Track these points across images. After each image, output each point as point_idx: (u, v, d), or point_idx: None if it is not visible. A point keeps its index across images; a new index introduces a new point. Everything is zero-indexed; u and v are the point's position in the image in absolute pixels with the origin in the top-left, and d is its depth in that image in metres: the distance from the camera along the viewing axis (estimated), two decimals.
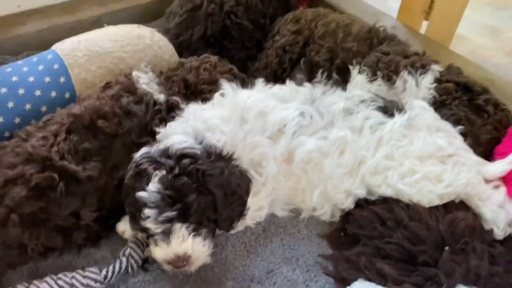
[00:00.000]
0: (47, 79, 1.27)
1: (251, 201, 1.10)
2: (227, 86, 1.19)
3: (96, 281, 0.98)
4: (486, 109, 1.27)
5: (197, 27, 1.54)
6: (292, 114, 1.14)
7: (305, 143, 1.11)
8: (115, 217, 1.10)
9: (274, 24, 1.65)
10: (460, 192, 1.14)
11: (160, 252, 0.98)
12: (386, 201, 1.13)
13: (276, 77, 1.54)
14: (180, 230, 0.96)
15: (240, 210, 1.07)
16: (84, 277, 0.97)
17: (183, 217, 0.96)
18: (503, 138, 1.26)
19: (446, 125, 1.25)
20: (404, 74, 1.34)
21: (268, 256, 1.11)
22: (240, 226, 1.12)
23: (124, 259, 1.02)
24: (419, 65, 1.35)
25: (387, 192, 1.13)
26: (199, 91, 1.24)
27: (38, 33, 1.62)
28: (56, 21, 1.66)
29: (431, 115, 1.21)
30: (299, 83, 1.51)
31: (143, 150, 1.03)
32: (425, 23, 1.79)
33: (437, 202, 1.12)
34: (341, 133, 1.13)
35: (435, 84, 1.32)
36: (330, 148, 1.13)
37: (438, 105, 1.30)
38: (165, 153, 1.00)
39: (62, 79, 1.29)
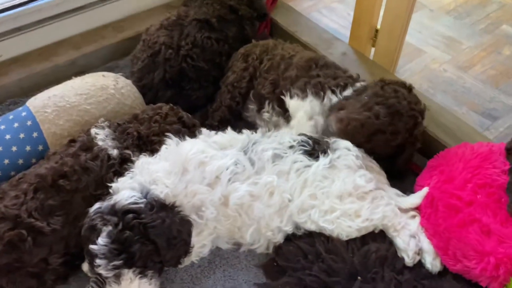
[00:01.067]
0: (21, 135, 1.46)
1: (195, 240, 1.29)
2: (170, 141, 1.36)
3: None
4: (397, 89, 1.42)
5: (157, 71, 1.70)
6: (228, 163, 1.31)
7: (237, 189, 1.28)
8: (81, 257, 1.30)
9: (231, 59, 1.80)
10: (377, 224, 1.30)
11: None
12: (311, 235, 1.31)
13: (232, 111, 1.70)
14: (128, 274, 1.17)
15: (185, 249, 1.26)
16: None
17: (129, 264, 1.16)
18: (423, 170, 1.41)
19: (371, 163, 1.41)
20: (328, 93, 1.49)
21: (211, 286, 1.30)
22: (186, 261, 1.32)
23: None
24: (342, 83, 1.50)
25: (312, 227, 1.30)
26: (150, 141, 1.41)
27: (18, 81, 1.80)
28: (34, 69, 1.84)
29: (353, 155, 1.36)
30: (251, 114, 1.69)
31: (96, 205, 1.22)
32: (373, 49, 1.91)
33: (355, 235, 1.29)
34: (269, 179, 1.30)
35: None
36: (260, 191, 1.30)
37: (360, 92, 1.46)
38: (113, 209, 1.18)
39: (35, 134, 1.48)
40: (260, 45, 1.75)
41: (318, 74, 1.54)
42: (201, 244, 1.31)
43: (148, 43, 1.75)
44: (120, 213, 1.17)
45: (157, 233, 1.18)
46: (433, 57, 2.15)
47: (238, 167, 1.31)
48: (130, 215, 1.17)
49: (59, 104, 1.53)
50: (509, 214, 1.09)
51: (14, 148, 1.45)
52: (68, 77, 1.78)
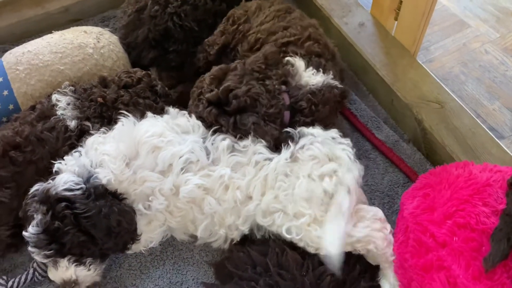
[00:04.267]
0: None
1: (145, 229, 1.22)
2: (126, 120, 1.24)
3: None
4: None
5: (141, 29, 1.54)
6: (183, 150, 1.18)
7: (188, 181, 1.16)
8: None
9: None
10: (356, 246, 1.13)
11: (51, 275, 1.16)
12: (266, 243, 1.18)
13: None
14: (63, 261, 1.13)
15: (130, 236, 1.19)
16: None
17: (61, 254, 1.11)
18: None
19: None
20: None
21: (157, 278, 1.25)
22: (135, 248, 1.24)
23: (31, 271, 1.22)
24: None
25: (278, 231, 1.16)
26: (115, 109, 1.31)
27: (8, 27, 1.73)
28: (25, 14, 1.75)
29: (320, 144, 1.17)
30: None
31: (35, 187, 1.15)
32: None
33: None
34: (222, 172, 1.16)
35: None
36: (213, 185, 1.17)
37: None
38: (46, 195, 1.11)
39: (5, 92, 1.42)
40: (244, 6, 1.52)
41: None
42: (149, 234, 1.23)
43: None
44: (52, 201, 1.10)
45: (91, 223, 1.11)
46: (476, 34, 1.80)
47: (193, 156, 1.18)
48: (62, 204, 1.09)
49: (32, 62, 1.44)
50: (484, 269, 0.90)
51: None
52: (62, 26, 1.71)
